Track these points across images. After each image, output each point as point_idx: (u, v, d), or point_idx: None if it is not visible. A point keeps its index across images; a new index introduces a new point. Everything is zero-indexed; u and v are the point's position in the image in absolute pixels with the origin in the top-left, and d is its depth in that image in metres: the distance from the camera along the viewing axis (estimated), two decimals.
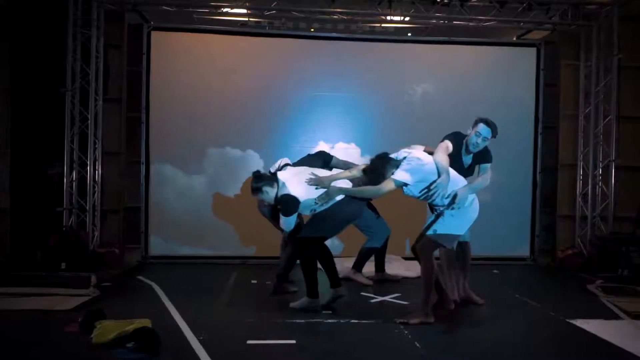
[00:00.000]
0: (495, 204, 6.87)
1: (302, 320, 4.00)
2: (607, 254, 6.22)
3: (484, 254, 6.84)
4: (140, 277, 5.59)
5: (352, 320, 4.02)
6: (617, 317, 4.28)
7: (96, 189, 6.39)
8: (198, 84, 6.61)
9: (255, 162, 6.64)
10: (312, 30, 7.42)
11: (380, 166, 3.82)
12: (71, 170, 6.25)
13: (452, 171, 3.85)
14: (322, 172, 4.30)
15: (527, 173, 7.03)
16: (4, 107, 6.28)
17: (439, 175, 3.73)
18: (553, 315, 4.31)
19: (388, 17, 6.72)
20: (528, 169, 7.04)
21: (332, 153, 6.58)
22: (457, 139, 4.11)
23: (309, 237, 4.27)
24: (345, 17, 6.66)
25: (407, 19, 6.74)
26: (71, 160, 6.23)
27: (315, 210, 4.17)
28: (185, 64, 6.62)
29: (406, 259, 6.03)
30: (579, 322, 4.05)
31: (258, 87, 6.66)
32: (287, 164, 4.86)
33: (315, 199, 4.08)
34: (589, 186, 6.76)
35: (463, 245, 4.43)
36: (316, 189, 4.08)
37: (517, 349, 3.51)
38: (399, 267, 5.92)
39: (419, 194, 3.81)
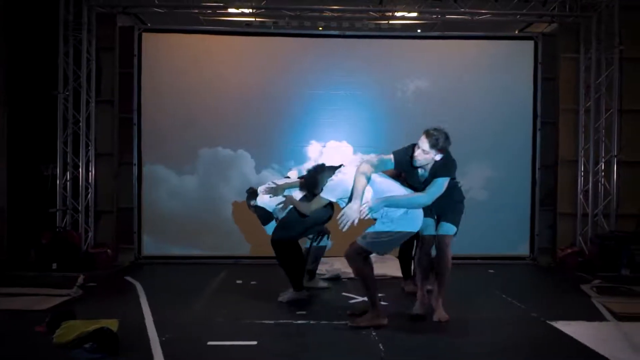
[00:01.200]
0: (493, 202, 6.76)
1: (272, 321, 3.96)
2: (608, 253, 6.00)
3: (482, 253, 6.75)
4: (128, 278, 5.63)
5: (323, 322, 3.95)
6: (602, 319, 4.11)
7: (90, 190, 6.47)
8: (189, 85, 6.63)
9: (247, 162, 6.65)
10: (320, 29, 7.35)
11: (313, 178, 3.92)
12: (64, 171, 6.34)
13: (387, 181, 3.77)
14: (282, 181, 4.56)
15: (525, 170, 6.83)
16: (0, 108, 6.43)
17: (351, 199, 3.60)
18: (534, 316, 4.15)
19: (378, 14, 6.62)
20: (527, 166, 6.83)
21: (323, 152, 6.59)
22: (408, 152, 3.82)
23: (279, 238, 4.46)
24: (335, 14, 6.59)
25: (399, 14, 6.62)
26: (64, 162, 6.32)
27: (277, 217, 4.48)
28: (176, 65, 6.65)
29: None
30: (560, 324, 3.89)
31: (249, 87, 6.64)
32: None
33: (275, 206, 4.38)
34: (590, 183, 6.52)
35: (439, 253, 4.08)
36: (270, 197, 4.43)
37: (481, 352, 3.39)
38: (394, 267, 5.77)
39: None
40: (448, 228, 4.00)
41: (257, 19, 6.94)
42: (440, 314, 4.01)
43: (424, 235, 4.04)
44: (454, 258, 6.54)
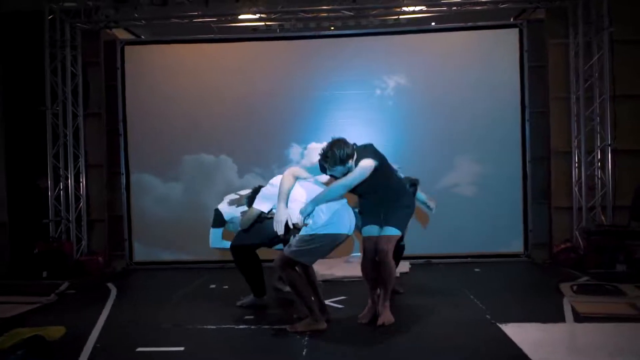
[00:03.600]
0: (483, 198, 6.56)
1: (214, 327, 3.98)
2: (601, 248, 5.66)
3: (474, 252, 6.53)
4: (109, 284, 5.80)
5: (264, 327, 3.93)
6: (560, 320, 3.88)
7: (81, 200, 6.73)
8: (170, 94, 6.76)
9: (229, 167, 6.72)
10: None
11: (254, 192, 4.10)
12: (56, 183, 6.61)
13: (318, 187, 3.75)
14: (246, 192, 4.53)
15: (516, 163, 6.55)
16: None
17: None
18: (487, 318, 3.96)
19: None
20: (517, 159, 6.55)
21: (305, 154, 6.57)
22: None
23: (237, 245, 4.49)
24: (311, 14, 6.54)
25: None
26: (55, 175, 6.59)
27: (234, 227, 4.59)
28: (157, 75, 6.81)
29: None
30: (509, 327, 3.71)
31: (227, 94, 6.73)
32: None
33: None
34: (582, 174, 6.18)
35: (380, 261, 3.84)
36: (237, 206, 4.50)
37: (401, 357, 3.27)
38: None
39: None
40: (388, 230, 3.87)
41: (276, 23, 6.88)
42: (385, 317, 3.89)
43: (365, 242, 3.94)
44: (445, 257, 6.53)
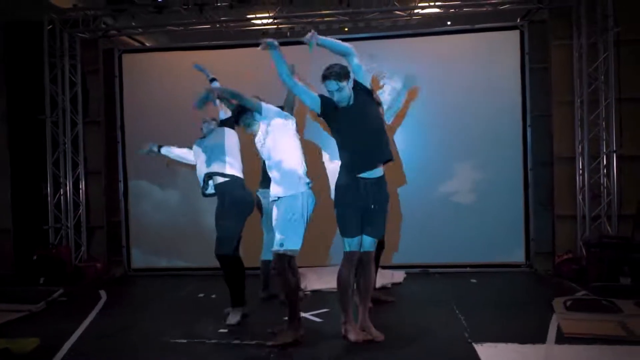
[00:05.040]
0: (482, 206, 6.36)
1: (185, 340, 3.95)
2: (602, 259, 5.39)
3: (472, 261, 6.34)
4: (101, 291, 5.85)
5: (234, 342, 3.88)
6: (540, 341, 3.69)
7: (81, 207, 6.83)
8: (168, 101, 6.75)
9: None
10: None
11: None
12: (56, 190, 6.73)
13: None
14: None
15: (517, 169, 6.31)
16: (1, 131, 6.94)
17: None
18: (465, 336, 3.81)
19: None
20: (518, 165, 6.30)
21: None
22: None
23: (227, 254, 4.30)
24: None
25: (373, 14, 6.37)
26: (55, 181, 6.71)
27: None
28: (155, 82, 6.83)
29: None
30: (483, 347, 3.56)
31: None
32: None
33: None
34: (586, 181, 5.90)
35: (364, 264, 3.75)
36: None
37: None
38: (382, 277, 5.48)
39: None
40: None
41: (286, 26, 6.81)
42: (377, 333, 3.77)
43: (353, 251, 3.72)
44: (442, 266, 6.36)
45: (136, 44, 7.61)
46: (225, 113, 4.56)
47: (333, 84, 3.52)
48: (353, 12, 6.32)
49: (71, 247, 6.67)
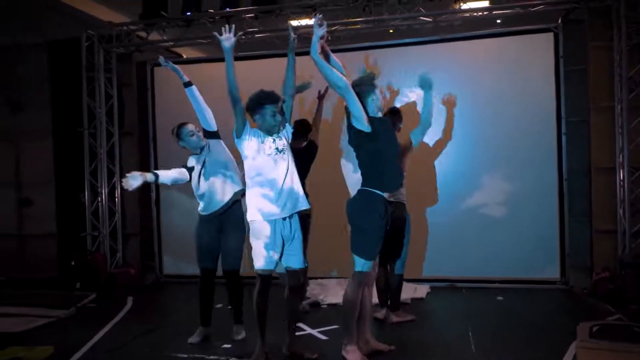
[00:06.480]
0: (513, 219, 6.07)
1: (186, 355, 4.01)
2: (638, 281, 4.98)
3: (505, 276, 6.05)
4: (129, 298, 6.06)
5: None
6: None
7: (116, 215, 7.13)
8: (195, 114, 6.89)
9: None
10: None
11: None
12: (93, 199, 7.05)
13: None
14: None
15: (551, 180, 5.94)
16: (47, 143, 7.36)
17: None
18: None
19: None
20: (552, 175, 5.94)
21: None
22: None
23: (236, 269, 4.36)
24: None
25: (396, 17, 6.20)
26: (92, 190, 7.03)
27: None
28: (185, 94, 6.97)
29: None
30: None
31: None
32: None
33: None
34: (626, 194, 5.46)
35: (370, 284, 3.76)
36: None
37: None
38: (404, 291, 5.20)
39: None
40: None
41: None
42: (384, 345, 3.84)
43: None
44: (471, 281, 6.10)
45: (171, 56, 7.83)
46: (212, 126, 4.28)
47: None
48: (376, 19, 6.18)
49: (106, 253, 6.96)
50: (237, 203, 4.27)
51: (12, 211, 7.61)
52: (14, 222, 7.62)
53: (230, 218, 4.25)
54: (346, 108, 3.51)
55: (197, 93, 4.16)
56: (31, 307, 5.51)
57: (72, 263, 6.73)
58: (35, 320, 5.08)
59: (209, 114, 4.21)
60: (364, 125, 3.42)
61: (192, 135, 4.20)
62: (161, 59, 4.36)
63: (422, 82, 4.32)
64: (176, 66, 4.24)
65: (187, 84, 4.18)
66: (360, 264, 3.52)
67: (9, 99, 7.56)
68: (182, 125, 4.27)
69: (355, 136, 3.48)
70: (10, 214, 7.61)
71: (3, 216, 7.63)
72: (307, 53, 3.44)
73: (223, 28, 3.61)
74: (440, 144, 6.19)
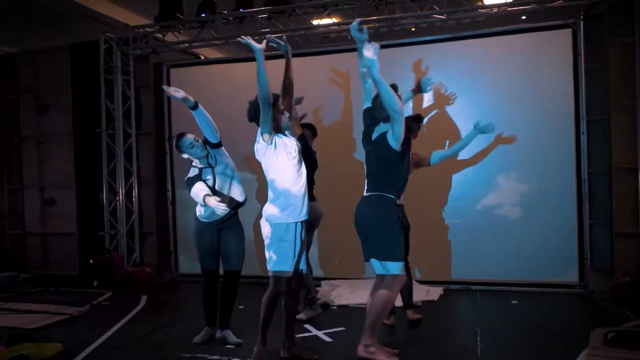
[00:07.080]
0: (530, 220, 5.93)
1: (189, 355, 4.03)
2: None
3: (522, 279, 5.90)
4: (143, 296, 6.14)
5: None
6: None
7: (134, 214, 7.24)
8: (211, 112, 6.92)
9: None
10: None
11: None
12: (111, 198, 7.18)
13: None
14: None
15: (569, 181, 5.76)
16: (68, 146, 7.54)
17: None
18: None
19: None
20: (570, 176, 5.75)
21: None
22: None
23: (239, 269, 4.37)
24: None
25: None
26: (110, 190, 7.16)
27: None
28: (201, 95, 6.97)
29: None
30: None
31: None
32: None
33: None
34: None
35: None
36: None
37: None
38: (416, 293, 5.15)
39: None
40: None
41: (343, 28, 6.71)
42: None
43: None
44: (486, 283, 5.97)
45: (188, 57, 7.91)
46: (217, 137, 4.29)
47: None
48: (390, 17, 6.10)
49: (123, 252, 7.08)
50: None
51: (36, 211, 7.81)
52: (37, 221, 7.82)
53: (230, 221, 4.31)
54: (371, 114, 3.73)
55: (204, 111, 4.13)
56: (50, 304, 5.65)
57: (91, 261, 6.87)
58: (50, 317, 5.20)
59: (215, 126, 4.21)
60: (397, 145, 3.57)
61: (193, 147, 4.17)
62: (165, 88, 4.25)
63: (486, 128, 4.41)
64: (179, 95, 4.04)
65: (194, 107, 4.10)
66: (396, 267, 3.58)
67: (36, 101, 7.77)
68: (180, 137, 4.18)
69: (385, 149, 3.60)
70: (34, 213, 7.82)
71: (29, 215, 7.84)
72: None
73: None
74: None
